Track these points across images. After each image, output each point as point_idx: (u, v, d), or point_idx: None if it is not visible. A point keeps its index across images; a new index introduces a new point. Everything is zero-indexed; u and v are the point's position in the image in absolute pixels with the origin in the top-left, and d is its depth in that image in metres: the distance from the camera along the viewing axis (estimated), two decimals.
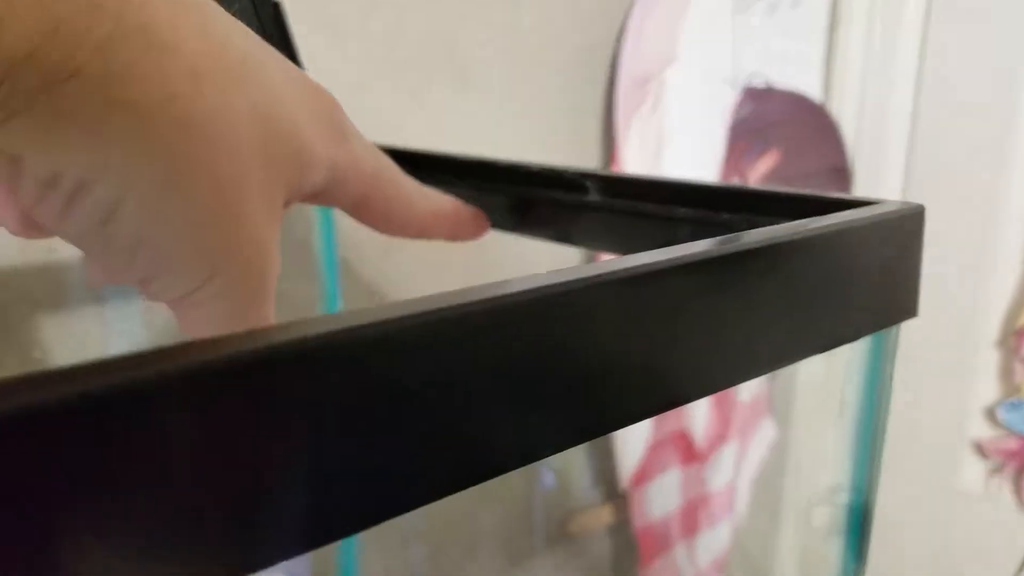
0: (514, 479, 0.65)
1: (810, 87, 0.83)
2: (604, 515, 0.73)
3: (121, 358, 0.12)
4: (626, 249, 0.32)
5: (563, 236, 0.34)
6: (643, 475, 0.71)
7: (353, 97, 0.52)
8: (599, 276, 0.16)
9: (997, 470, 0.91)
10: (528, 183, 0.34)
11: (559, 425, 0.17)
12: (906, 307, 0.25)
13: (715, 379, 0.20)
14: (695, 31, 0.70)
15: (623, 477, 0.71)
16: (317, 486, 0.13)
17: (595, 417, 0.17)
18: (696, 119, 0.72)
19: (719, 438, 0.76)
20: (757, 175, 0.77)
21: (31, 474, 0.10)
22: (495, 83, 0.60)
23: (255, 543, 0.13)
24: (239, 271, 0.19)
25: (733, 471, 0.78)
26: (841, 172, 0.84)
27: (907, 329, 0.25)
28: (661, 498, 0.73)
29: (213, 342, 0.12)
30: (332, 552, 0.54)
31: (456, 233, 0.32)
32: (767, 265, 0.20)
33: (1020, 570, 0.85)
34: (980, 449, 0.91)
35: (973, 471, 0.92)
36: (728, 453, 0.77)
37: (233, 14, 0.20)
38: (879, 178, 0.88)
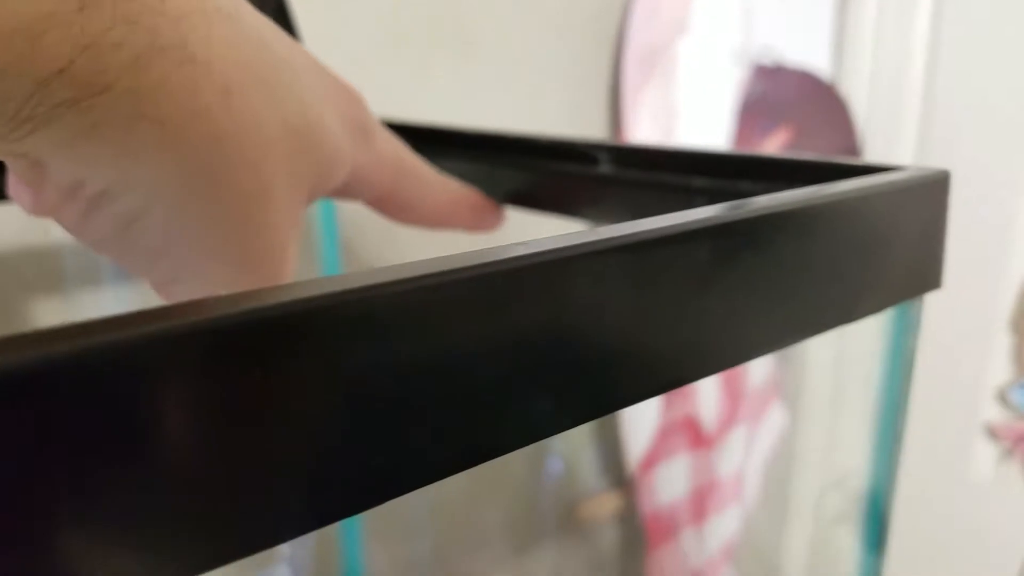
0: (521, 466, 0.64)
1: (820, 65, 0.82)
2: (612, 502, 0.73)
3: (111, 319, 0.11)
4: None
5: (574, 210, 0.33)
6: (651, 460, 0.70)
7: (355, 69, 0.51)
8: (607, 240, 0.15)
9: (1009, 453, 0.90)
10: (537, 155, 0.33)
11: (566, 401, 0.16)
12: (930, 278, 0.24)
13: (729, 353, 0.19)
14: (707, 4, 0.68)
15: (631, 463, 0.70)
16: (314, 464, 0.12)
17: (603, 394, 0.16)
18: (707, 95, 0.71)
19: (728, 423, 0.75)
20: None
21: (21, 440, 0.10)
22: (500, 53, 0.59)
23: (252, 522, 0.12)
24: (259, 277, 0.19)
25: (742, 457, 0.78)
26: (851, 151, 0.83)
27: None
28: (669, 484, 0.72)
29: (204, 305, 0.11)
30: (336, 542, 0.53)
31: (475, 224, 0.33)
32: (784, 231, 0.19)
33: None
34: (992, 432, 0.90)
35: (985, 454, 0.91)
36: (737, 438, 0.76)
37: None
38: (890, 155, 0.86)
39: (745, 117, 0.74)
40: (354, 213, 0.49)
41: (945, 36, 0.85)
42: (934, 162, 0.96)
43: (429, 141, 0.37)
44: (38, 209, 0.19)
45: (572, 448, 0.70)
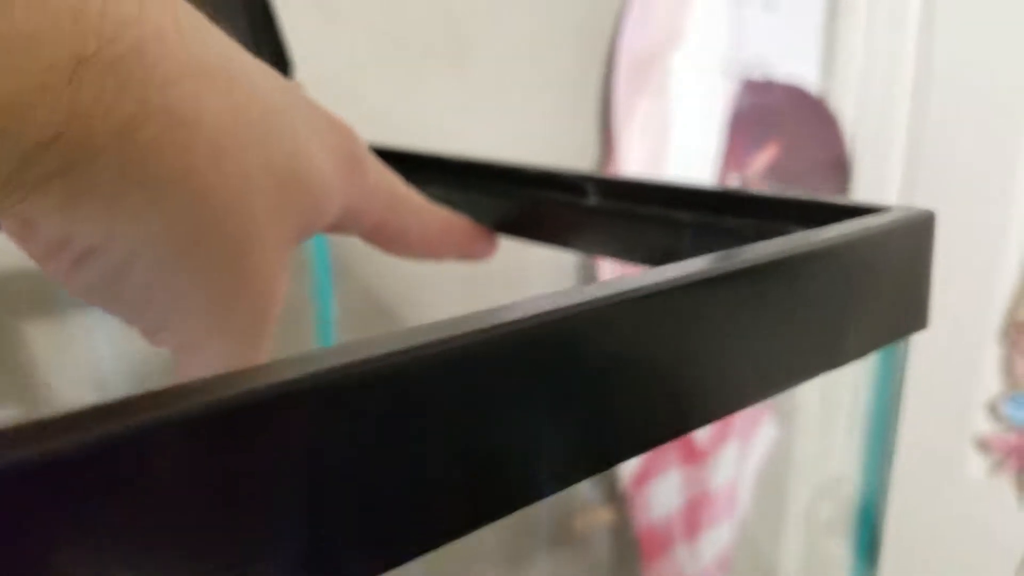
0: None
1: (809, 79, 0.82)
2: (606, 515, 0.73)
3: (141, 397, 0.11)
4: (626, 254, 0.31)
5: (561, 240, 0.33)
6: (644, 476, 0.70)
7: (346, 80, 0.51)
8: (618, 295, 0.16)
9: (1000, 465, 0.90)
10: (525, 184, 0.33)
11: (579, 454, 0.16)
12: (917, 318, 0.24)
13: (730, 400, 0.19)
14: (699, 18, 0.68)
15: (624, 477, 0.70)
16: (321, 530, 0.12)
17: (612, 445, 0.16)
18: (697, 107, 0.71)
19: (720, 437, 0.75)
20: (757, 168, 0.76)
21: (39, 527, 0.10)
22: (493, 64, 0.59)
23: None
24: (247, 323, 0.19)
25: (735, 469, 0.78)
26: (841, 164, 0.83)
27: None
28: (662, 498, 0.72)
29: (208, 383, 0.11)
30: None
31: (467, 252, 0.32)
32: (773, 279, 0.19)
33: (1023, 565, 0.84)
34: (983, 444, 0.91)
35: (975, 465, 0.91)
36: (729, 451, 0.76)
37: (219, 8, 0.19)
38: (879, 170, 0.87)
39: (735, 131, 0.74)
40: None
41: (935, 48, 0.86)
42: (923, 175, 0.96)
43: (418, 168, 0.37)
44: (27, 254, 0.19)
45: None
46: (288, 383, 0.12)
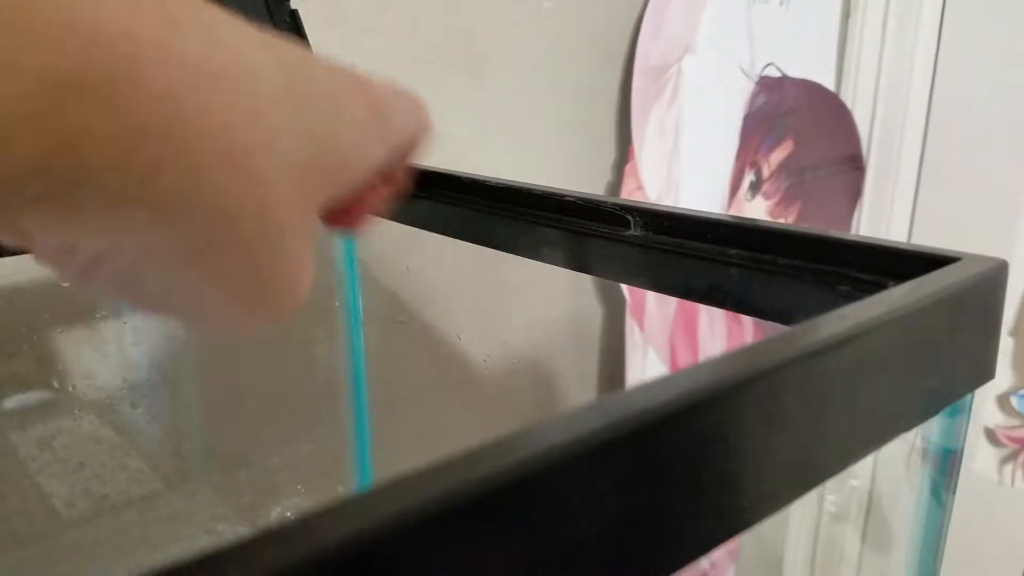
0: None
1: (824, 75, 0.81)
2: None
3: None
4: (668, 288, 0.31)
5: (600, 271, 0.32)
6: None
7: None
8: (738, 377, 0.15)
9: (1010, 457, 0.91)
10: (566, 212, 0.33)
11: (715, 521, 0.16)
12: (986, 370, 0.23)
13: (847, 456, 0.19)
14: (713, 20, 0.67)
15: None
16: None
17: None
18: (713, 110, 0.70)
19: None
20: (772, 165, 0.75)
21: None
22: (512, 72, 0.59)
23: None
24: (274, 306, 0.19)
25: None
26: (855, 160, 0.82)
27: None
28: None
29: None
30: None
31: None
32: (891, 337, 0.19)
33: None
34: (993, 437, 0.91)
35: (986, 458, 0.92)
36: None
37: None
38: (894, 165, 0.86)
39: (750, 128, 0.73)
40: (372, 246, 0.48)
41: (949, 44, 0.85)
42: (936, 171, 0.95)
43: (451, 188, 0.36)
44: (36, 260, 0.18)
45: None
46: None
